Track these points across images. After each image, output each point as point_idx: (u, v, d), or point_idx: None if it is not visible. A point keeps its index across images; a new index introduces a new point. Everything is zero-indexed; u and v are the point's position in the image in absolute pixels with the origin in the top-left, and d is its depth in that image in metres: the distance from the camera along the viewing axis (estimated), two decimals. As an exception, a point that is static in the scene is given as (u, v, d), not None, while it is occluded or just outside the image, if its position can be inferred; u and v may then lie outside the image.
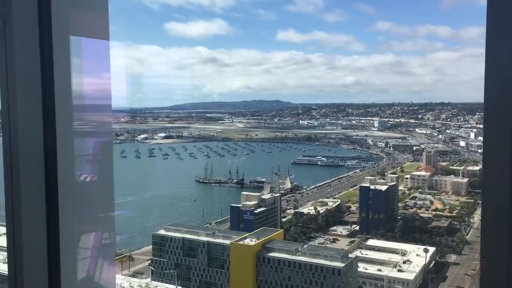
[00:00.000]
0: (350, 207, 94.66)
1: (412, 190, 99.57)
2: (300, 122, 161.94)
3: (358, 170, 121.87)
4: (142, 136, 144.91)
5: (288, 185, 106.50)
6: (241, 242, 63.21)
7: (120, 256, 70.58)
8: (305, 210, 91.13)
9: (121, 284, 58.75)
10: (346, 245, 75.51)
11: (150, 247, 70.17)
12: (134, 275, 66.59)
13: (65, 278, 2.13)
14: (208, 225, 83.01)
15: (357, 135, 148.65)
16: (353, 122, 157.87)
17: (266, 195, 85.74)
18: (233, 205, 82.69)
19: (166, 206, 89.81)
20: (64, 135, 2.05)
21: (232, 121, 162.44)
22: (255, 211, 79.06)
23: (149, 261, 69.27)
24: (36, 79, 2.05)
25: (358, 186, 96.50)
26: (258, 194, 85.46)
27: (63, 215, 2.07)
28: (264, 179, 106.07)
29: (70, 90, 2.10)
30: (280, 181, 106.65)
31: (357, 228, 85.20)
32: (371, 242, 74.17)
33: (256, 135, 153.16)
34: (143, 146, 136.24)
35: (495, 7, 1.52)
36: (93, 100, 2.23)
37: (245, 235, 65.18)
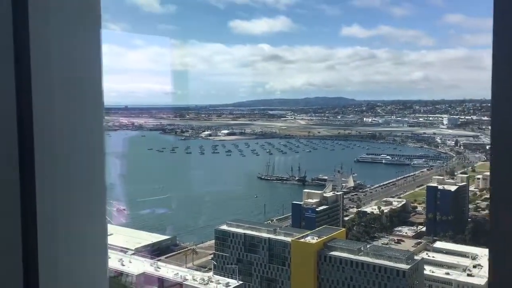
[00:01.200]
0: (416, 207, 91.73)
1: (484, 191, 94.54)
2: (364, 119, 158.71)
3: (425, 169, 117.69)
4: (206, 132, 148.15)
5: (351, 183, 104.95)
6: (302, 240, 62.97)
7: (184, 250, 72.83)
8: (368, 209, 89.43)
9: (185, 276, 60.44)
10: (412, 246, 73.33)
11: (213, 241, 71.47)
12: (197, 268, 68.25)
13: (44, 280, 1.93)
14: (269, 221, 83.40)
15: (424, 133, 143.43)
16: (420, 119, 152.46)
17: (328, 193, 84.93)
18: (294, 202, 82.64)
19: (228, 201, 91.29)
20: (42, 128, 1.89)
21: (295, 118, 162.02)
22: (317, 209, 78.55)
23: (212, 256, 70.68)
24: (9, 63, 1.84)
25: (425, 186, 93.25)
26: (320, 192, 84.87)
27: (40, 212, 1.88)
28: (326, 177, 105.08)
29: (50, 83, 1.90)
30: (343, 179, 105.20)
31: (424, 229, 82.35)
32: (439, 244, 71.31)
33: (319, 132, 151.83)
34: (207, 143, 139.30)
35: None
36: (79, 90, 2.02)
37: (307, 233, 64.85)
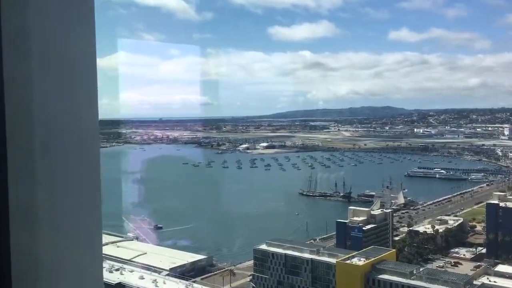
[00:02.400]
0: (475, 226, 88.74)
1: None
2: (415, 130, 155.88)
3: (484, 185, 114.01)
4: (244, 146, 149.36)
5: (401, 200, 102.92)
6: (348, 261, 61.88)
7: (221, 270, 72.95)
8: (421, 228, 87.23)
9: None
10: (470, 270, 70.89)
11: (252, 262, 71.28)
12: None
13: None
14: (312, 241, 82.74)
15: (483, 145, 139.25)
16: (478, 129, 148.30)
17: (376, 211, 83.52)
18: (339, 220, 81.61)
19: (268, 219, 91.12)
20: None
21: (338, 129, 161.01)
22: (364, 228, 77.22)
23: (251, 277, 70.44)
24: None
25: (485, 203, 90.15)
26: (367, 209, 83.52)
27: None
28: (373, 193, 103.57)
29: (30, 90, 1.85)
30: (392, 195, 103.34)
31: (484, 251, 79.43)
32: (501, 268, 68.45)
33: (365, 145, 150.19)
34: (244, 156, 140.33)
35: None
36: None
37: (353, 254, 63.69)
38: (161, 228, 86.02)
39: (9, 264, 1.83)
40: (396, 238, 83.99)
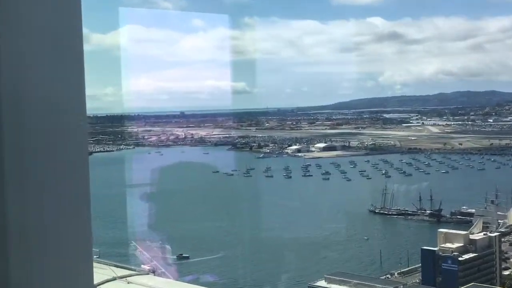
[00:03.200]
0: None
1: None
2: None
3: None
4: (294, 147, 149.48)
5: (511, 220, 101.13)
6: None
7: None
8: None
9: None
10: None
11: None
12: None
13: None
14: (388, 276, 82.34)
15: None
16: None
17: (477, 235, 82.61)
18: (425, 248, 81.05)
19: (327, 245, 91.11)
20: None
21: (423, 123, 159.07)
22: (460, 258, 76.51)
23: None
24: None
25: None
26: (464, 232, 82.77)
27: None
28: (473, 211, 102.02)
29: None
30: (499, 213, 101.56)
31: None
32: None
33: (460, 144, 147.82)
34: (295, 161, 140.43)
35: None
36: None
37: (445, 294, 63.50)
38: (187, 258, 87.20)
39: None
40: (506, 272, 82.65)
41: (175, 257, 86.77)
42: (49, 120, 2.00)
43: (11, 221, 1.90)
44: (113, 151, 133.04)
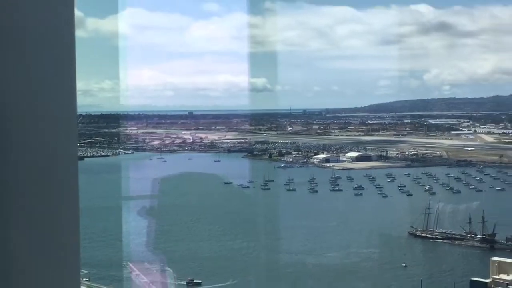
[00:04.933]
0: None
1: None
2: None
3: None
4: (321, 156, 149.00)
5: None
6: None
7: None
8: None
9: None
10: None
11: None
12: None
13: None
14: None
15: None
16: None
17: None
18: (475, 279, 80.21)
19: (358, 273, 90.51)
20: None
21: (475, 131, 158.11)
22: (518, 294, 75.61)
23: None
24: None
25: None
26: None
27: None
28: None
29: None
30: None
31: None
32: None
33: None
34: (322, 173, 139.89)
35: None
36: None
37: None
38: (199, 284, 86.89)
39: None
40: None
41: (184, 283, 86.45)
42: (33, 119, 1.98)
43: None
44: (108, 155, 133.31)
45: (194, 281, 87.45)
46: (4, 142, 1.91)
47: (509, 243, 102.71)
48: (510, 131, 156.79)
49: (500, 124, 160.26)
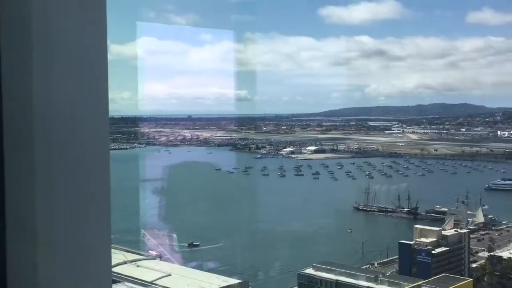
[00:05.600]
0: None
1: None
2: (499, 133, 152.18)
3: None
4: (288, 149, 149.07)
5: (480, 218, 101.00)
6: (413, 292, 61.41)
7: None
8: (505, 253, 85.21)
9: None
10: None
11: (296, 289, 71.55)
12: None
13: None
14: (369, 266, 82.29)
15: None
16: None
17: (449, 231, 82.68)
18: (402, 241, 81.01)
19: (315, 238, 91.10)
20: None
21: (403, 131, 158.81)
22: (433, 252, 76.43)
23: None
24: None
25: None
26: (437, 228, 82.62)
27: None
28: (445, 209, 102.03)
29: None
30: (469, 212, 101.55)
31: None
32: None
33: (436, 150, 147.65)
34: (288, 162, 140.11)
35: None
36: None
37: (419, 283, 63.30)
38: (197, 245, 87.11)
39: (5, 279, 1.89)
40: (474, 265, 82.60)
41: (186, 245, 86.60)
42: (75, 122, 2.00)
43: (40, 215, 1.91)
44: (127, 148, 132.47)
45: (194, 243, 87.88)
46: (56, 137, 1.91)
47: (428, 214, 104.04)
48: (428, 131, 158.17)
49: (422, 126, 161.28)
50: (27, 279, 1.91)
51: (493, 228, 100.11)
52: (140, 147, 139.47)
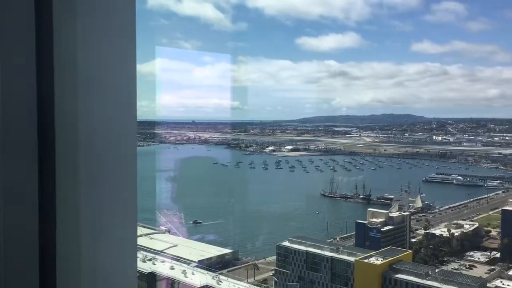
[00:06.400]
0: (490, 231, 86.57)
1: None
2: (434, 137, 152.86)
3: (500, 192, 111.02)
4: (270, 148, 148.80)
5: (418, 203, 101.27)
6: (366, 261, 61.20)
7: (246, 264, 73.06)
8: (437, 231, 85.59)
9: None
10: (485, 273, 69.01)
11: (275, 257, 71.19)
12: (258, 284, 68.23)
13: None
14: (332, 240, 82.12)
15: (500, 153, 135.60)
16: (496, 138, 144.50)
17: (394, 213, 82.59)
18: (358, 221, 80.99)
19: (291, 217, 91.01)
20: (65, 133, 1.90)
21: (360, 135, 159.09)
22: (382, 229, 76.44)
23: (273, 272, 70.35)
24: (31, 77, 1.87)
25: (500, 209, 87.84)
26: (385, 211, 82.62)
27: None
28: (392, 196, 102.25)
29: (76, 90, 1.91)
30: (410, 199, 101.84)
31: (498, 255, 77.36)
32: (515, 272, 66.60)
33: (385, 150, 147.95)
34: (270, 158, 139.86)
35: None
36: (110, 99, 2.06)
37: (371, 253, 63.01)
38: (200, 223, 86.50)
39: (55, 253, 1.90)
40: (413, 240, 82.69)
41: (191, 222, 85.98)
42: (112, 126, 1.99)
43: (83, 202, 1.91)
44: (143, 146, 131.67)
45: (197, 221, 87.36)
46: (91, 138, 1.86)
47: (378, 200, 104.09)
48: (380, 135, 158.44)
49: (374, 131, 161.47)
50: (73, 251, 1.92)
51: (429, 211, 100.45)
52: (154, 145, 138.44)
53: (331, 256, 64.37)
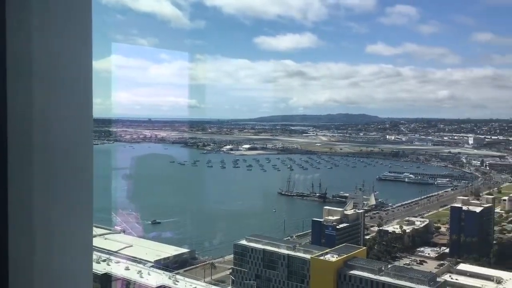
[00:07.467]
0: (439, 228, 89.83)
1: (511, 213, 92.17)
2: (387, 137, 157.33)
3: (449, 189, 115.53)
4: (228, 147, 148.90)
5: (372, 201, 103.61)
6: (322, 258, 62.15)
7: (203, 263, 72.65)
8: (390, 228, 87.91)
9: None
10: (434, 268, 71.63)
11: (232, 256, 71.10)
12: (215, 283, 67.97)
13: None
14: (289, 238, 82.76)
15: (449, 152, 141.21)
16: (445, 138, 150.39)
17: (349, 211, 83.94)
18: (315, 219, 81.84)
19: (248, 215, 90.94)
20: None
21: (316, 134, 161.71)
22: (337, 227, 77.61)
23: (230, 270, 70.28)
24: None
25: (449, 206, 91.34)
26: (340, 209, 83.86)
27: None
28: (347, 194, 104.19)
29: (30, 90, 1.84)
30: (364, 197, 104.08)
31: (447, 250, 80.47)
32: (462, 266, 69.52)
33: (341, 149, 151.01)
34: (228, 157, 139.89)
35: None
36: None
37: (327, 251, 63.99)
38: (159, 223, 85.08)
39: (7, 254, 1.83)
40: (367, 237, 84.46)
41: (149, 222, 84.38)
42: (67, 124, 1.95)
43: (38, 203, 1.87)
44: (98, 144, 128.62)
45: (156, 220, 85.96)
46: (46, 137, 1.84)
47: (334, 198, 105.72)
48: (335, 135, 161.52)
49: (330, 131, 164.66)
50: (27, 252, 1.88)
51: (382, 209, 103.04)
52: (109, 143, 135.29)
53: (288, 254, 64.95)
